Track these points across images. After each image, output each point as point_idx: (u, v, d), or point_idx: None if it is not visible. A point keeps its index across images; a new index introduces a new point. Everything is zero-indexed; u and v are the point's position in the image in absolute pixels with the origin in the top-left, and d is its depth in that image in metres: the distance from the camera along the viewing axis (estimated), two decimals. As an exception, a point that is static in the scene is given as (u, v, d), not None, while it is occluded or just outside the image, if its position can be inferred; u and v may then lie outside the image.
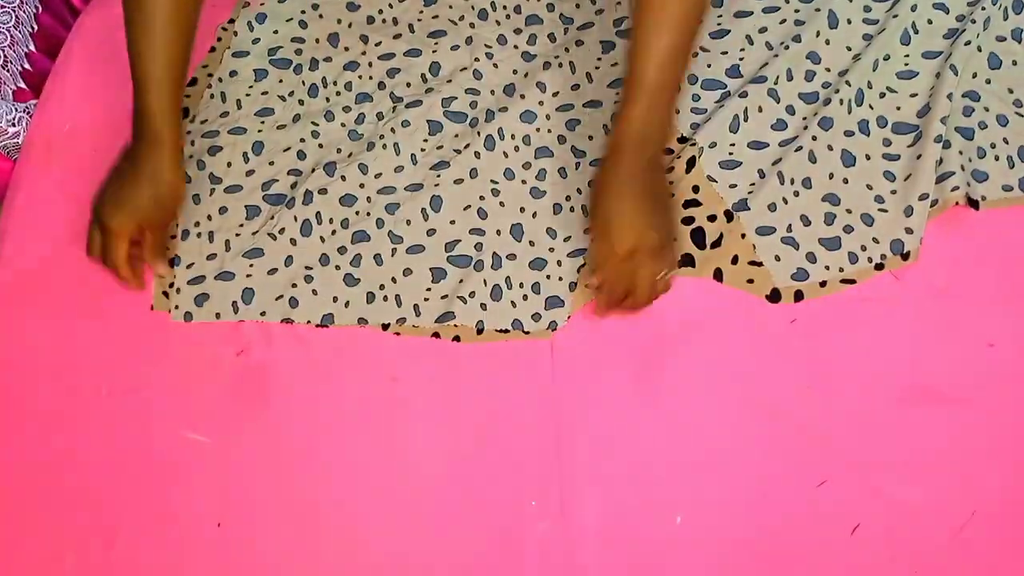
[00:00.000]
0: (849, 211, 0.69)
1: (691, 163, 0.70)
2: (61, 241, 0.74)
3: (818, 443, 0.63)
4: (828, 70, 0.74)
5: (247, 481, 0.65)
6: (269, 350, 0.69)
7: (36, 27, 0.86)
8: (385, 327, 0.68)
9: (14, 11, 0.83)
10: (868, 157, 0.71)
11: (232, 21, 0.82)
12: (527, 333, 0.67)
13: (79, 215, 0.75)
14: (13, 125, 0.79)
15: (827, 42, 0.75)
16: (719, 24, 0.77)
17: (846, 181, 0.70)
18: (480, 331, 0.66)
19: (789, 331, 0.67)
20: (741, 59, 0.75)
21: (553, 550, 0.61)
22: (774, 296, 0.67)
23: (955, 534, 0.60)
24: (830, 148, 0.71)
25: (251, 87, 0.78)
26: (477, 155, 0.72)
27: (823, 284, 0.67)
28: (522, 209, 0.71)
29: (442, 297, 0.68)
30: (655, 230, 0.62)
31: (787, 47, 0.74)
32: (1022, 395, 0.63)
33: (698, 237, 0.68)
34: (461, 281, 0.68)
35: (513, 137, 0.73)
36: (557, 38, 0.77)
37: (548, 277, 0.68)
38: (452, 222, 0.71)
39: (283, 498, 0.64)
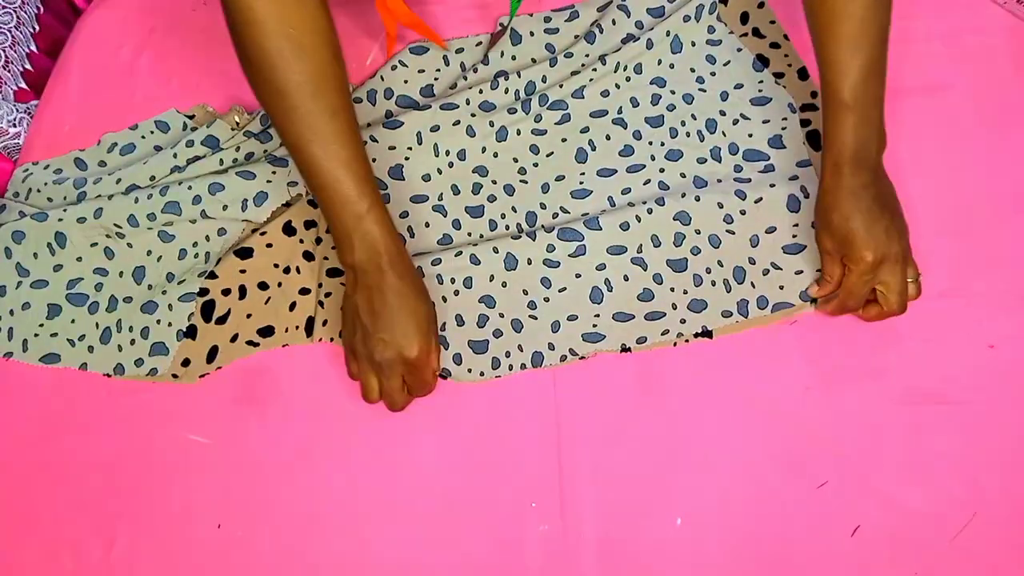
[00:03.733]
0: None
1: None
2: (62, 241, 0.74)
3: (818, 444, 0.63)
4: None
5: (247, 481, 0.65)
6: (270, 352, 0.69)
7: (37, 27, 0.86)
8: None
9: (15, 11, 0.83)
10: (529, 261, 0.69)
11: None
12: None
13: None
14: (14, 126, 0.79)
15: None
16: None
17: (504, 285, 0.68)
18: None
19: (789, 332, 0.67)
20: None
21: (553, 551, 0.61)
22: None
23: (956, 536, 0.60)
24: (495, 251, 0.69)
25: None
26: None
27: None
28: None
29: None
30: (894, 238, 0.61)
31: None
32: (1022, 396, 0.63)
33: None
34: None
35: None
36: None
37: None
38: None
39: (283, 498, 0.64)
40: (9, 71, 0.82)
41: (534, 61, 0.78)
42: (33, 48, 0.85)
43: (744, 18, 0.79)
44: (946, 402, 0.63)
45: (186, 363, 0.68)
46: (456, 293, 0.68)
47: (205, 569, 0.63)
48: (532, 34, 0.79)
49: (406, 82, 0.78)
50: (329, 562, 0.62)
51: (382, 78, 0.78)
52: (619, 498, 0.62)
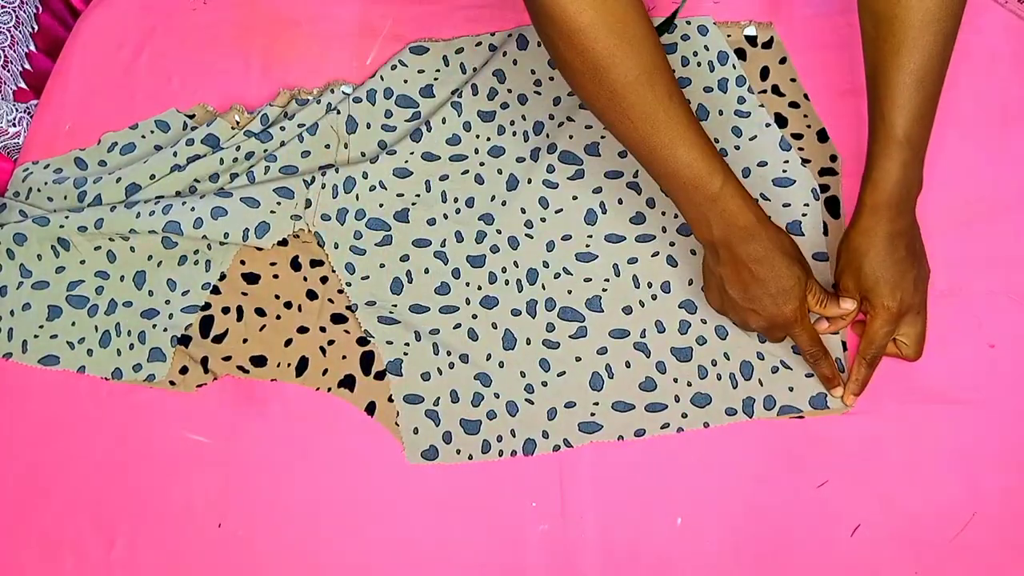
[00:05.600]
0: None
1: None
2: (61, 241, 0.74)
3: (818, 443, 0.63)
4: (500, 232, 0.71)
5: (247, 481, 0.65)
6: (269, 350, 0.69)
7: (36, 27, 0.86)
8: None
9: (14, 11, 0.83)
10: (528, 341, 0.67)
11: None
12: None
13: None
14: (14, 125, 0.79)
15: (503, 204, 0.72)
16: (406, 163, 0.73)
17: (501, 365, 0.66)
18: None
19: (790, 332, 0.67)
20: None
21: (554, 551, 0.61)
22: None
23: (956, 535, 0.60)
24: (494, 327, 0.67)
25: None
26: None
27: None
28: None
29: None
30: (920, 288, 0.61)
31: (459, 211, 0.72)
32: (1022, 396, 0.63)
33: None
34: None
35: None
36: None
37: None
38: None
39: (283, 498, 0.64)
40: (8, 71, 0.82)
41: (533, 72, 0.77)
42: (32, 48, 0.85)
43: (764, 73, 0.76)
44: (946, 402, 0.63)
45: (184, 371, 0.68)
46: (451, 366, 0.66)
47: (205, 569, 0.63)
48: (539, 44, 0.78)
49: (406, 82, 0.78)
50: (329, 562, 0.62)
51: (382, 78, 0.78)
52: (619, 498, 0.62)
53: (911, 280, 0.60)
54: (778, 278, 0.59)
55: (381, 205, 0.72)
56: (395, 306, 0.69)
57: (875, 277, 0.59)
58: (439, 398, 0.66)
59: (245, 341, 0.68)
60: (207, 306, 0.69)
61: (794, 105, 0.74)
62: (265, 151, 0.75)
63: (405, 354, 0.67)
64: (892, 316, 0.60)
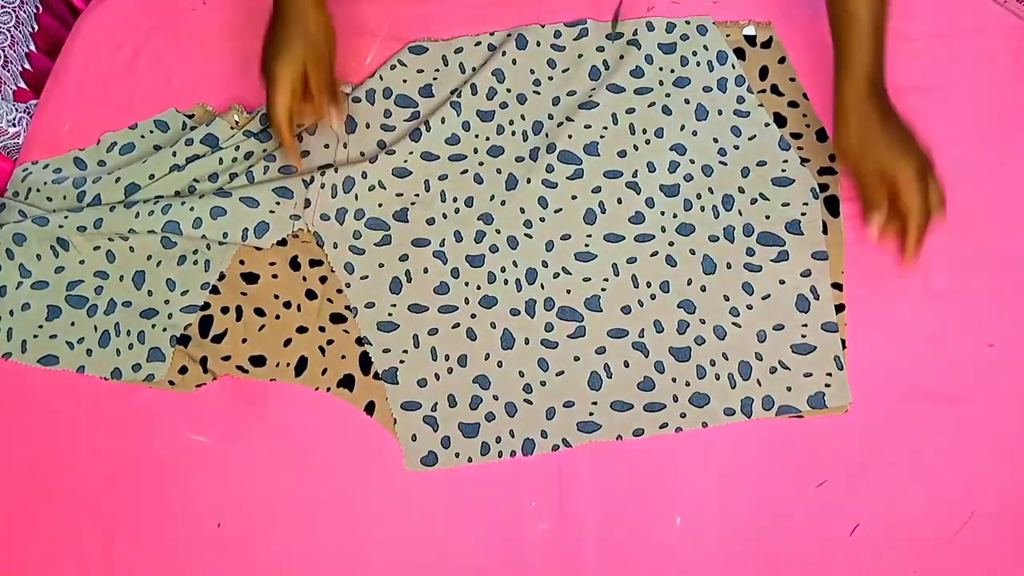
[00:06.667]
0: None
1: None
2: (61, 241, 0.74)
3: (818, 443, 0.63)
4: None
5: (247, 481, 0.65)
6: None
7: (36, 27, 0.86)
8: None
9: (14, 11, 0.83)
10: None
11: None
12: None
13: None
14: (13, 125, 0.79)
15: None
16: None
17: (500, 365, 0.66)
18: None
19: (789, 332, 0.67)
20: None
21: (553, 551, 0.61)
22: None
23: (954, 534, 0.60)
24: (493, 326, 0.67)
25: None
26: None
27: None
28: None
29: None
30: (920, 147, 0.63)
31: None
32: (1021, 395, 0.63)
33: None
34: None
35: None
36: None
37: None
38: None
39: (283, 498, 0.64)
40: (8, 71, 0.82)
41: (532, 72, 0.77)
42: (32, 48, 0.85)
43: (763, 73, 0.76)
44: (945, 400, 0.63)
45: (183, 371, 0.68)
46: (450, 371, 0.66)
47: (205, 569, 0.63)
48: (539, 44, 0.78)
49: (405, 81, 0.78)
50: (329, 562, 0.62)
51: (381, 77, 0.78)
52: (619, 498, 0.62)
53: (916, 139, 0.62)
54: (273, 41, 0.69)
55: (380, 205, 0.72)
56: (394, 306, 0.69)
57: (890, 146, 0.62)
58: (436, 403, 0.66)
59: (244, 341, 0.68)
60: (206, 306, 0.69)
61: (793, 104, 0.74)
62: (264, 151, 0.75)
63: (402, 361, 0.67)
64: (920, 173, 0.61)
